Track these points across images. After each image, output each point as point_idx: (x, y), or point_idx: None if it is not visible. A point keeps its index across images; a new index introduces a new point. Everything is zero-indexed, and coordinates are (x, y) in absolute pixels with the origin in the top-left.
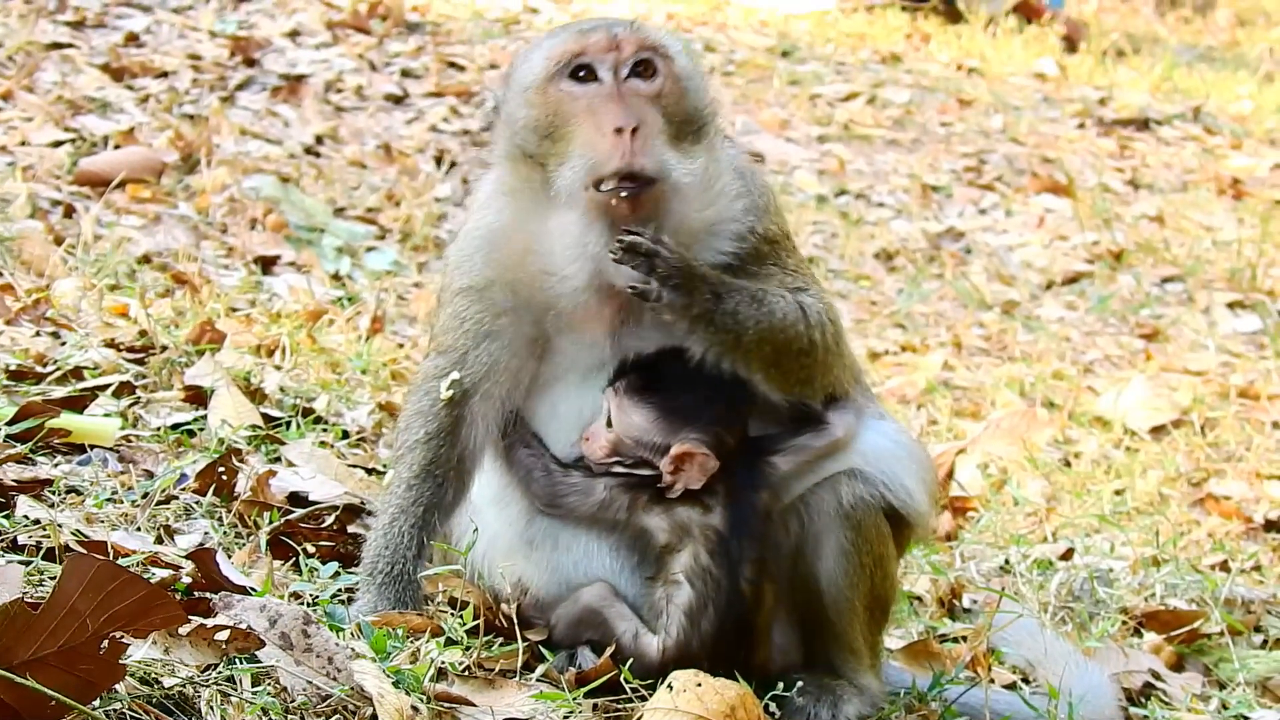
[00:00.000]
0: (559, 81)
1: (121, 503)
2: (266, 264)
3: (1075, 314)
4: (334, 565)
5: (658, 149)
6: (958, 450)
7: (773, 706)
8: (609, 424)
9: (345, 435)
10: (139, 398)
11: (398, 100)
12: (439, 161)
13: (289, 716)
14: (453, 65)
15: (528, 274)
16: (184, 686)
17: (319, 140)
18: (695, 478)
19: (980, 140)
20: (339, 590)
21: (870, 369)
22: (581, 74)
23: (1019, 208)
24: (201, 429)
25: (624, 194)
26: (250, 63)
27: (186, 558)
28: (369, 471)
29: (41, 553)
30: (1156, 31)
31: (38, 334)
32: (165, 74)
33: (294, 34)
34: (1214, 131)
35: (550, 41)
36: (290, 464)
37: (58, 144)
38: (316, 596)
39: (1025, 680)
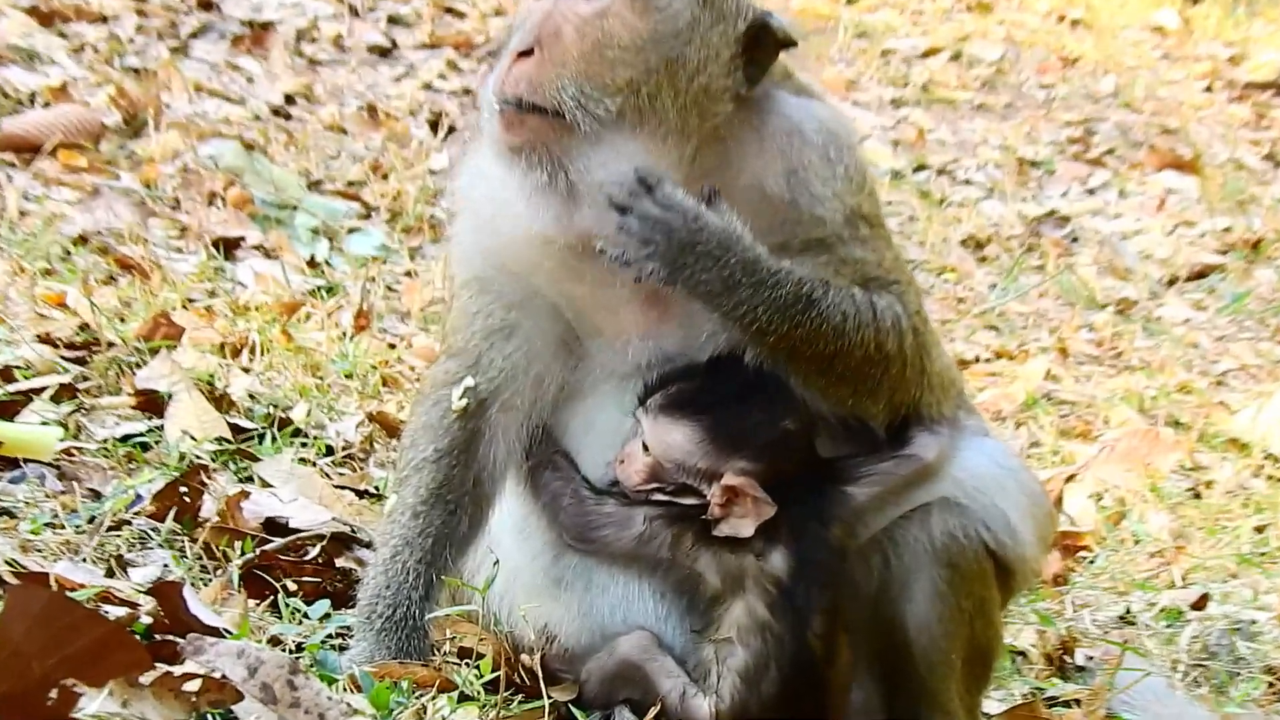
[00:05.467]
0: None
1: (64, 528)
2: (228, 247)
3: (1204, 315)
4: (323, 605)
5: (556, 79)
6: (1066, 477)
7: None
8: (645, 446)
9: (329, 451)
10: (81, 404)
11: (384, 53)
12: (434, 126)
13: None
14: (450, 11)
15: (531, 251)
16: None
17: (289, 100)
18: (746, 523)
19: (1087, 106)
20: (330, 635)
21: None
22: None
23: (1135, 187)
24: (158, 442)
25: (499, 109)
26: (207, 6)
27: (147, 593)
28: (360, 494)
29: None
30: None
31: None
32: (105, 19)
33: None
34: None
35: None
36: (265, 484)
37: None
38: (303, 641)
39: None
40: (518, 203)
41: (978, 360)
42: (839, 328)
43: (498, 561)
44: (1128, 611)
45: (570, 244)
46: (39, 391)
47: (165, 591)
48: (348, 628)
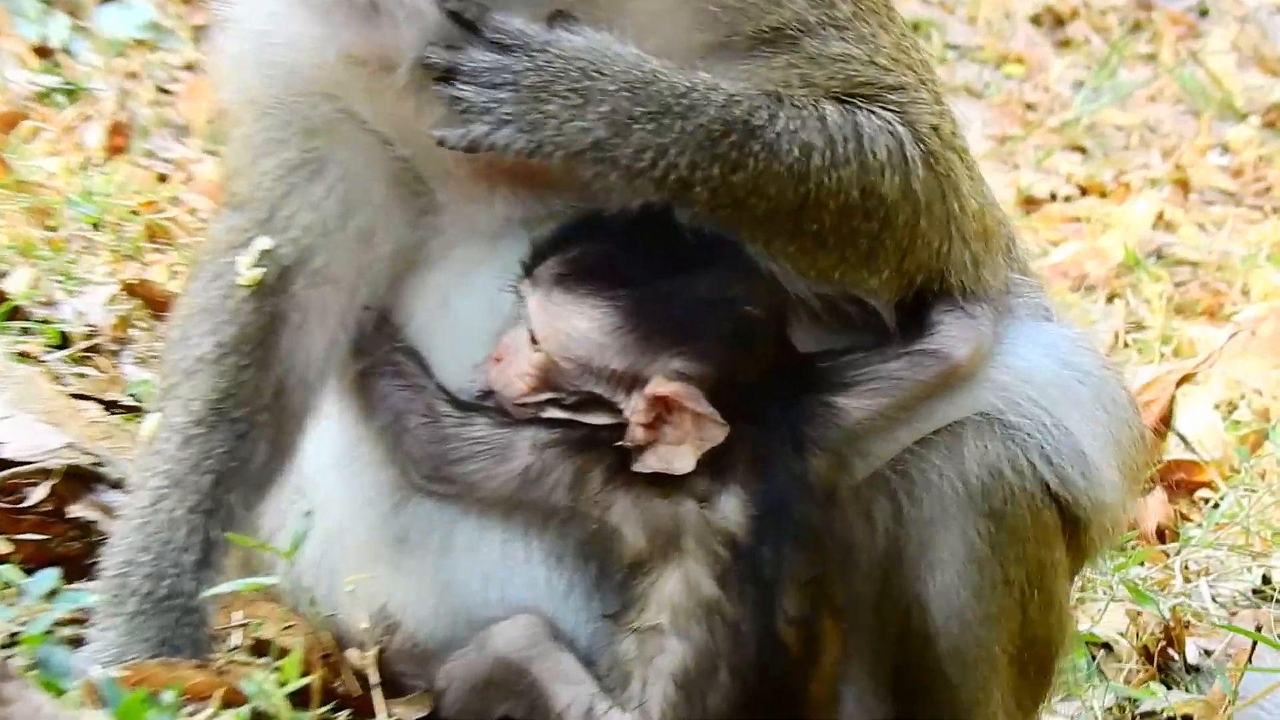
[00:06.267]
0: None
1: None
2: None
3: None
4: (50, 575)
5: None
6: (1180, 378)
7: None
8: (533, 337)
9: (64, 342)
10: None
11: None
12: None
13: None
14: None
15: (332, 72)
16: None
17: None
18: (683, 452)
19: None
20: (59, 620)
21: (1019, 231)
22: None
23: None
24: None
25: None
26: None
27: None
28: (108, 407)
29: None
30: None
31: None
32: None
33: None
34: None
35: None
36: None
37: None
38: (18, 630)
39: None
40: (301, 19)
41: (1053, 198)
42: (798, 167)
43: (310, 511)
44: (1266, 581)
45: (387, 65)
46: None
47: None
48: (87, 610)
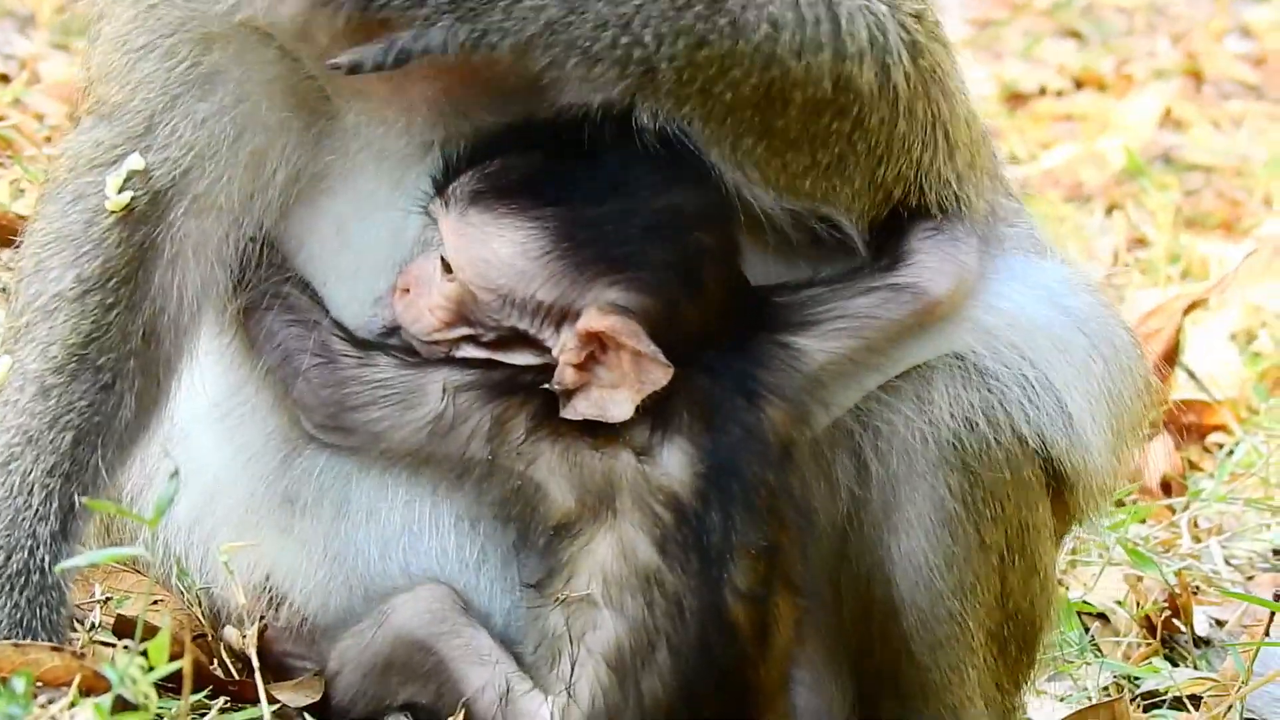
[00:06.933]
0: None
1: None
2: None
3: None
4: None
5: None
6: (1188, 305)
7: None
8: (446, 265)
9: None
10: None
11: None
12: None
13: None
14: None
15: None
16: None
17: None
18: (619, 396)
19: None
20: None
21: (1004, 133)
22: None
23: None
24: None
25: None
26: None
27: None
28: None
29: None
30: None
31: None
32: None
33: None
34: None
35: None
36: None
37: None
38: None
39: None
40: None
41: (1043, 93)
42: (765, 46)
43: (177, 470)
44: None
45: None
46: None
47: None
48: None
